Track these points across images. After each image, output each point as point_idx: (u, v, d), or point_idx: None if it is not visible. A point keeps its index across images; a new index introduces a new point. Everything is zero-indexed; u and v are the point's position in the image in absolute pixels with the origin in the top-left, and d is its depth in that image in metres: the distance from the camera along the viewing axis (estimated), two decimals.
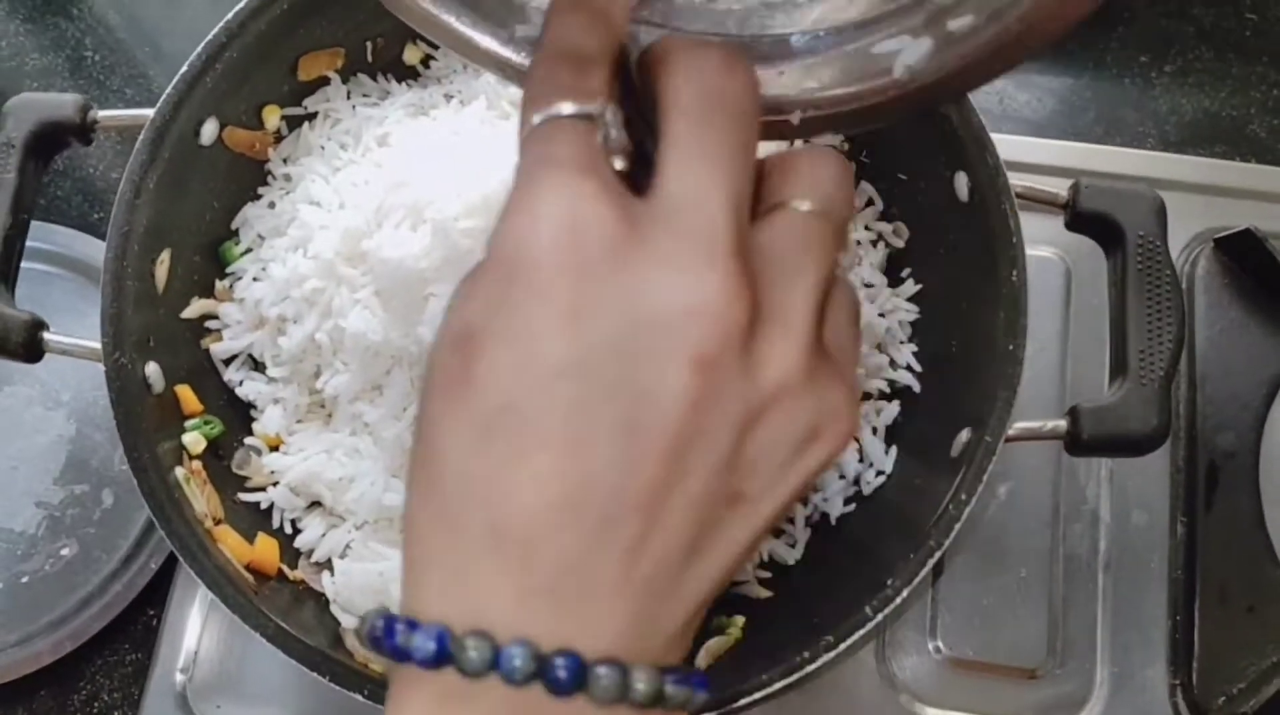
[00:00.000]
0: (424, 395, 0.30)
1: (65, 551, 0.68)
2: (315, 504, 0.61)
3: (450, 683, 0.27)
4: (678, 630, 0.29)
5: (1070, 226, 0.59)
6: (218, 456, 0.61)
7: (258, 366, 0.64)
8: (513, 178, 0.30)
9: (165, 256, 0.60)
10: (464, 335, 0.28)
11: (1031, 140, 0.77)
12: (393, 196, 0.57)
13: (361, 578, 0.58)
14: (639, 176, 0.31)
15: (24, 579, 0.68)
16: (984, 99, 0.81)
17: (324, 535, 0.60)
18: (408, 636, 0.27)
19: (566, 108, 0.30)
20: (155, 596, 0.67)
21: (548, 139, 0.30)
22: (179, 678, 0.65)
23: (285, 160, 0.66)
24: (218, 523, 0.57)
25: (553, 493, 0.27)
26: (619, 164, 0.31)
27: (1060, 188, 0.59)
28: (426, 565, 0.29)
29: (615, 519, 0.27)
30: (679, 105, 0.30)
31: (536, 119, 0.30)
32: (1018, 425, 0.54)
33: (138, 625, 0.68)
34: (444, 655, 0.27)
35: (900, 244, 0.66)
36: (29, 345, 0.57)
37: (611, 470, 0.27)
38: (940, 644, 0.66)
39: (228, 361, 0.63)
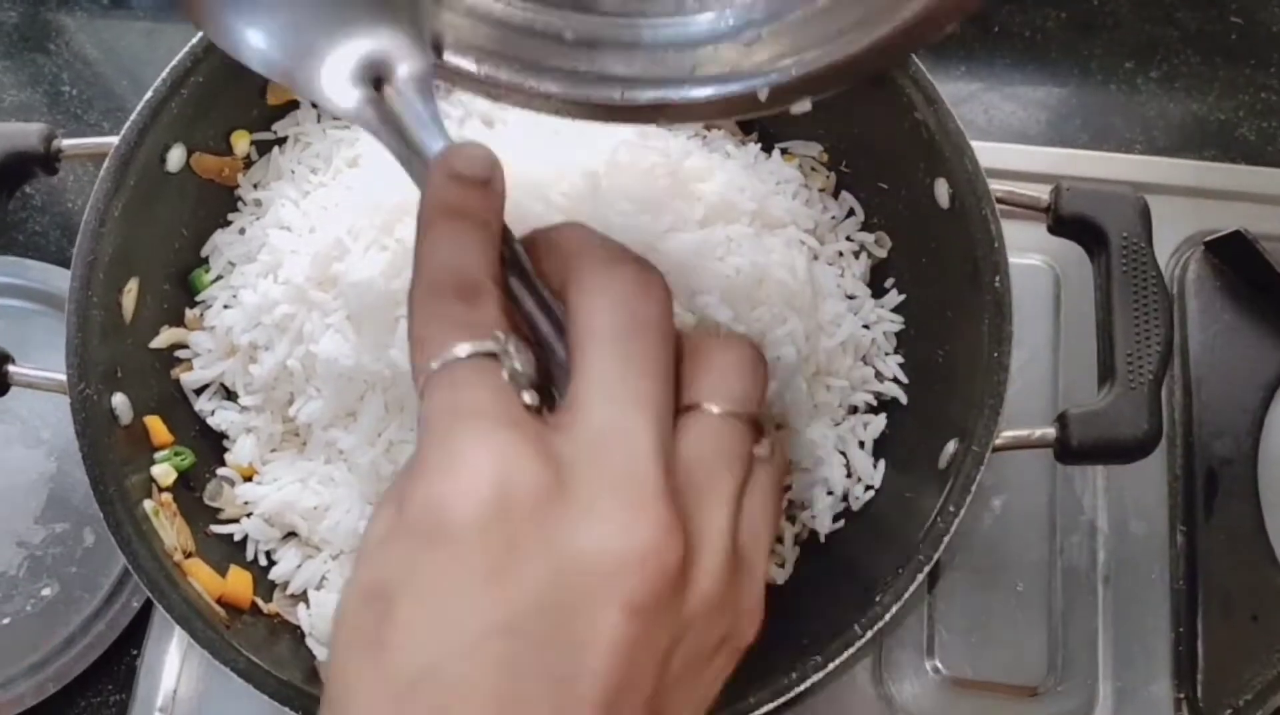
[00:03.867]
0: (336, 646, 0.28)
1: (46, 592, 0.67)
2: (290, 535, 0.60)
3: None
4: None
5: (1053, 231, 0.58)
6: (189, 488, 0.59)
7: (230, 395, 0.62)
8: (419, 427, 0.28)
9: (133, 286, 0.59)
10: (377, 592, 0.27)
11: (1015, 147, 0.76)
12: (362, 218, 0.57)
13: None
14: (549, 383, 0.29)
15: (5, 620, 0.66)
16: (969, 111, 0.80)
17: (299, 566, 0.59)
18: None
19: (463, 349, 0.28)
20: (138, 635, 0.66)
21: (452, 385, 0.28)
22: None
23: (255, 185, 0.65)
24: (188, 556, 0.56)
25: None
26: (528, 399, 0.29)
27: (1044, 193, 0.58)
28: None
29: None
30: (595, 334, 0.29)
31: (434, 365, 0.28)
32: (1005, 434, 0.53)
33: (121, 665, 0.67)
34: None
35: (883, 254, 0.65)
36: None
37: None
38: (938, 664, 0.64)
39: (199, 391, 0.62)
